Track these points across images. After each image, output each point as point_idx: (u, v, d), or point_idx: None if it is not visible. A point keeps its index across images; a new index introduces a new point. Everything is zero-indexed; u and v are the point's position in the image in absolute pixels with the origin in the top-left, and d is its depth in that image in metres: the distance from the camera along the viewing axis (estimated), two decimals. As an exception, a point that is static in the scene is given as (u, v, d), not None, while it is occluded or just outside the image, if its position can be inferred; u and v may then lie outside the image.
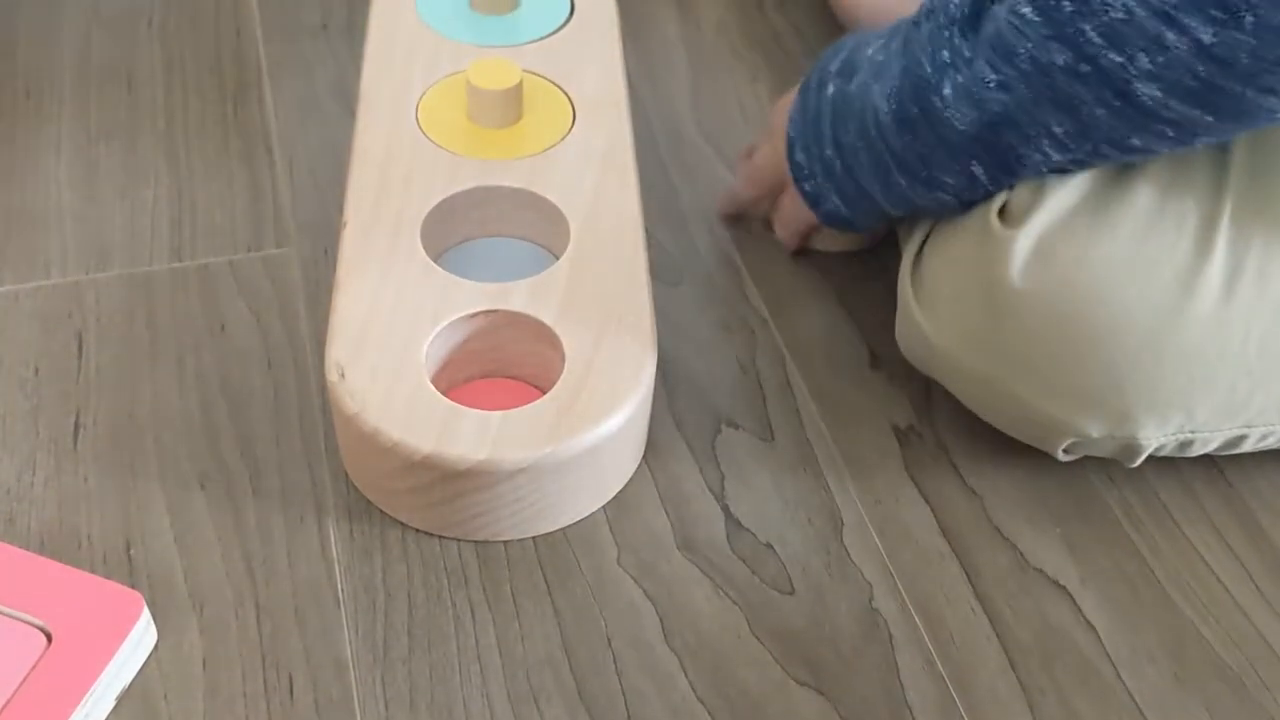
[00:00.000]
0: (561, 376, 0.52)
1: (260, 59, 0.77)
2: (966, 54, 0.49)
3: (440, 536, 0.53)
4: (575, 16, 0.68)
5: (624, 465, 0.55)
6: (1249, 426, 0.53)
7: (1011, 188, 0.52)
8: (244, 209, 0.68)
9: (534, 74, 0.64)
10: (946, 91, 0.50)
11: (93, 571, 0.51)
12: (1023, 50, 0.47)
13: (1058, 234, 0.50)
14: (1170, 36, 0.42)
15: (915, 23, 0.53)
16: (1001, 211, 0.52)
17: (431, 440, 0.49)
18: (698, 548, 0.54)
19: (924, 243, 0.56)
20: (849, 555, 0.54)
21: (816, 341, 0.63)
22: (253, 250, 0.65)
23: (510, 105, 0.61)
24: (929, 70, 0.50)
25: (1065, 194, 0.50)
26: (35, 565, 0.49)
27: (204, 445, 0.56)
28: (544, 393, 0.52)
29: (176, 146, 0.71)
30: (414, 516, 0.53)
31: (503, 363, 0.56)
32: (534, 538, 0.54)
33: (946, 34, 0.50)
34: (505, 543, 0.53)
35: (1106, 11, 0.44)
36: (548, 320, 0.53)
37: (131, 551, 0.52)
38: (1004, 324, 0.52)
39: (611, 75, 0.65)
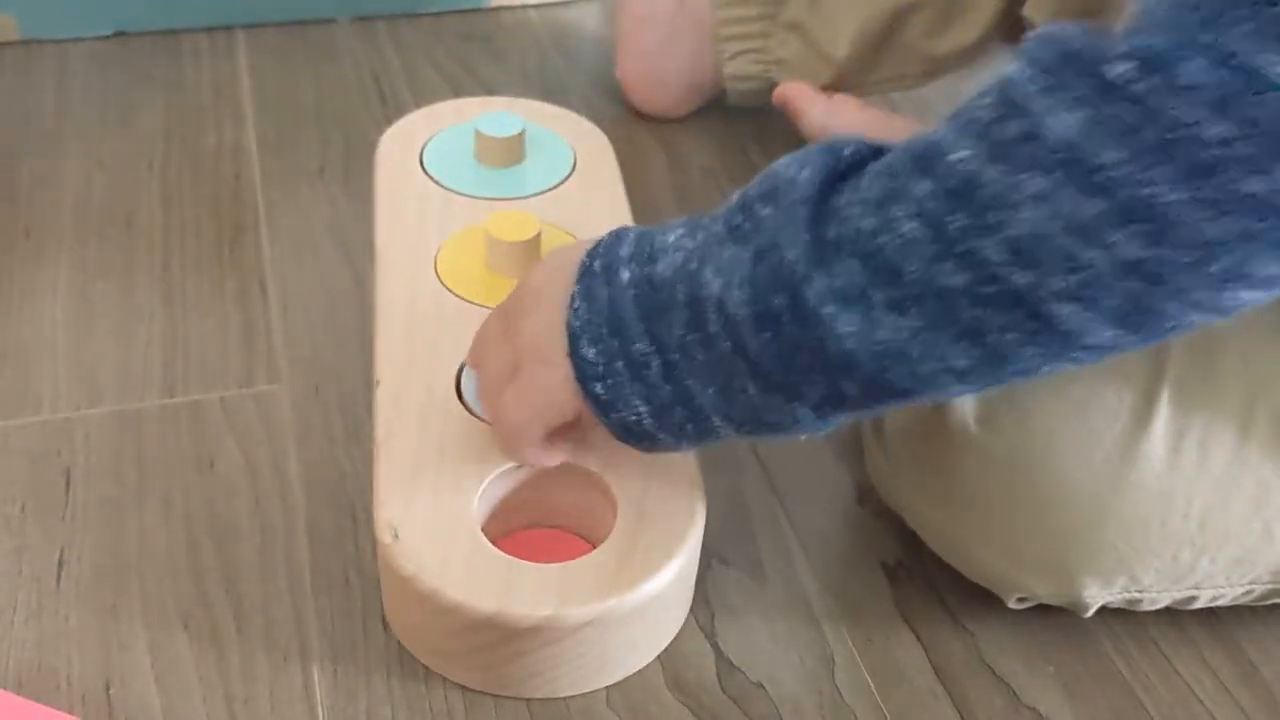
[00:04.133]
0: (616, 524, 0.51)
1: (258, 201, 0.79)
2: (820, 254, 0.40)
3: (427, 679, 0.53)
4: (579, 168, 0.69)
5: (678, 611, 0.55)
6: (1197, 589, 0.53)
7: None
8: (236, 346, 0.68)
9: (547, 224, 0.63)
10: (819, 284, 0.40)
11: (70, 712, 0.50)
12: (910, 271, 0.38)
13: (1000, 399, 0.50)
14: (1089, 254, 0.36)
15: (744, 207, 0.43)
16: None
17: (494, 599, 0.48)
18: (688, 688, 0.53)
19: None
20: (841, 696, 0.53)
21: (804, 477, 0.63)
22: (244, 387, 0.66)
23: (530, 256, 0.61)
24: (793, 255, 0.40)
25: None
26: (11, 705, 0.48)
27: (189, 584, 0.56)
28: (585, 539, 0.51)
29: (173, 285, 0.72)
30: (470, 677, 0.52)
31: (544, 512, 0.55)
32: (522, 678, 0.53)
33: (803, 211, 0.41)
34: (492, 683, 0.53)
35: (1006, 227, 0.36)
36: (593, 466, 0.53)
37: (111, 691, 0.51)
38: (951, 481, 0.52)
39: (621, 222, 0.66)
